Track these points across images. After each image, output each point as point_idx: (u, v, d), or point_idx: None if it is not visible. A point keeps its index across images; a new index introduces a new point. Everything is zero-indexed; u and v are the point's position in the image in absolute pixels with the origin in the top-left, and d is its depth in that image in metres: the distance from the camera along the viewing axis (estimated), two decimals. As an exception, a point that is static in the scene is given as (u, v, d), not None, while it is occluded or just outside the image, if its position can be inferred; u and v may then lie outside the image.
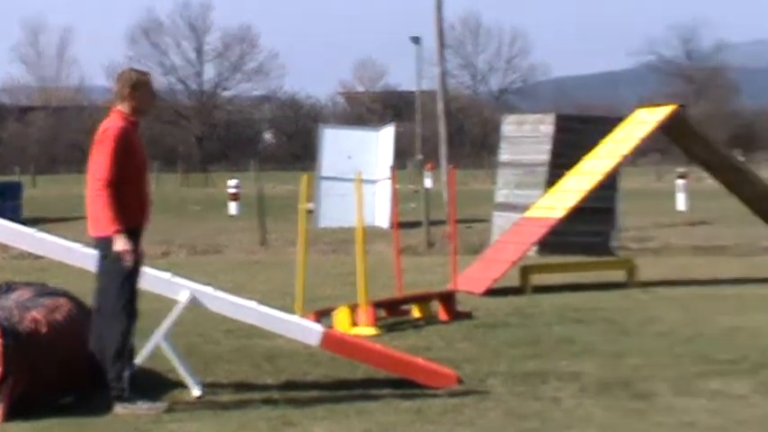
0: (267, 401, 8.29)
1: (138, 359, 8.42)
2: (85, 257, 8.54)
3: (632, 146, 15.81)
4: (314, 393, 8.60)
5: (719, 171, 16.17)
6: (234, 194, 31.72)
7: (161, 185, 50.12)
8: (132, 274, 8.07)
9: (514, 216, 18.13)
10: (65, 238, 8.94)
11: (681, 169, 33.38)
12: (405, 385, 8.55)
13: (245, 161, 66.47)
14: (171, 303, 8.58)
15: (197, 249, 21.30)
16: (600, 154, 16.13)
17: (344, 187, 24.31)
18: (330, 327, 10.53)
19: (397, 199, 15.39)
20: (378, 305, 12.13)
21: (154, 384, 8.67)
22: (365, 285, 11.84)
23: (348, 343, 8.92)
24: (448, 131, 28.05)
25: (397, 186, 16.24)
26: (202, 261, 19.45)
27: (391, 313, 12.53)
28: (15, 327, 7.94)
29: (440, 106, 28.21)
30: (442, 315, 12.40)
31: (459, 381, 8.70)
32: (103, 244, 8.05)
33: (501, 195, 21.56)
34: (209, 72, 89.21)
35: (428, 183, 35.34)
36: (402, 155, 56.67)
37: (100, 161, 8.04)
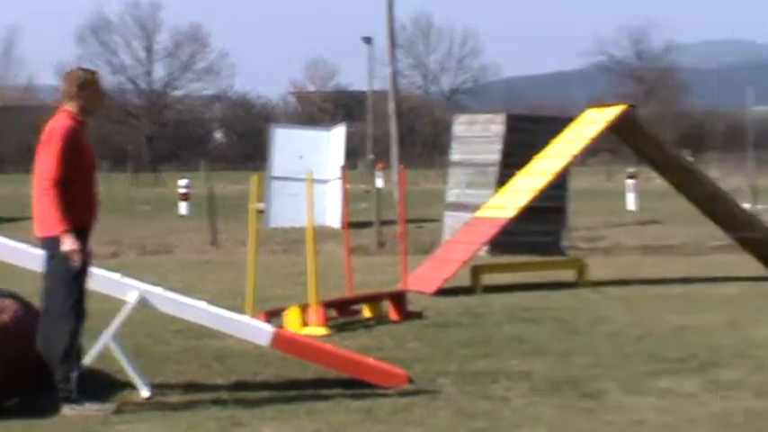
0: (217, 402, 8.25)
1: (87, 360, 8.35)
2: (32, 258, 8.45)
3: (582, 145, 15.89)
4: (264, 393, 8.57)
5: (669, 171, 16.26)
6: (184, 194, 31.58)
7: (110, 185, 49.65)
8: (80, 274, 8.01)
9: (465, 216, 18.16)
10: (12, 238, 8.85)
11: (631, 169, 33.60)
12: (355, 385, 8.53)
13: (196, 161, 66.07)
14: (120, 304, 8.51)
15: (147, 249, 21.20)
16: (550, 154, 16.18)
17: (295, 187, 24.28)
18: (280, 327, 10.50)
19: (348, 199, 15.37)
20: (328, 305, 12.11)
21: (102, 385, 8.60)
22: (316, 285, 11.81)
23: (299, 343, 8.89)
24: (399, 131, 28.00)
25: (348, 186, 16.21)
26: (152, 261, 19.35)
27: (342, 313, 12.51)
28: (-39, 328, 7.86)
29: (391, 106, 28.15)
30: (393, 315, 12.40)
31: (410, 380, 8.69)
32: (51, 244, 7.98)
33: (452, 195, 21.61)
34: (159, 71, 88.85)
35: (379, 183, 35.33)
36: (353, 155, 56.72)
37: (47, 161, 7.96)
